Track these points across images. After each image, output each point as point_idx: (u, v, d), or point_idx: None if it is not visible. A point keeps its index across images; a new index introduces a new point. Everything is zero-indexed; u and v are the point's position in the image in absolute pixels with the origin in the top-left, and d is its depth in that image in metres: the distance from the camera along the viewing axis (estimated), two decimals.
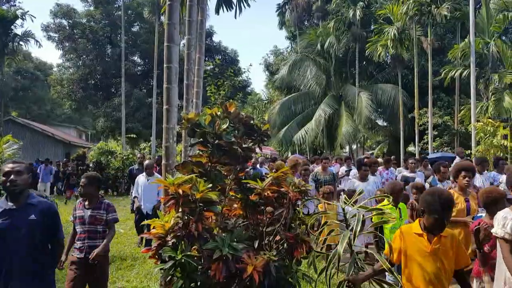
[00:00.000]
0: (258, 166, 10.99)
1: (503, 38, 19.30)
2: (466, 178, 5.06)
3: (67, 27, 36.34)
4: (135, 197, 8.15)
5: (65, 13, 35.71)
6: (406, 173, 9.06)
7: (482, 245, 3.89)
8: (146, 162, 8.39)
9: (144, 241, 7.81)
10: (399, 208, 5.28)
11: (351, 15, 25.02)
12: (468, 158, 12.21)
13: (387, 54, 22.40)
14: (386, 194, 6.29)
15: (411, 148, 25.80)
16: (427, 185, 7.15)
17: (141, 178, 8.07)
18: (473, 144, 14.85)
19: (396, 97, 23.73)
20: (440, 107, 23.17)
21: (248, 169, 3.22)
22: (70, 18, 36.06)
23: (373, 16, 25.54)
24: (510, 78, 15.49)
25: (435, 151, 20.09)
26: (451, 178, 7.51)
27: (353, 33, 25.63)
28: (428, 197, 2.89)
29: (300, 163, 8.46)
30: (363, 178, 7.44)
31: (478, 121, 14.87)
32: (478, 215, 4.73)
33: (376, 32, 22.40)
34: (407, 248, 2.97)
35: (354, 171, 9.83)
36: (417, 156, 19.21)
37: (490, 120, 14.12)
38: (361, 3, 25.12)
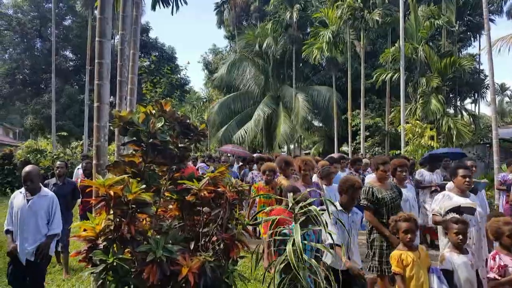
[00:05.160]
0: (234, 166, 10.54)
1: (430, 44, 20.47)
2: None
3: None
4: (7, 231, 4.58)
5: None
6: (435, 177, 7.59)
7: None
8: (26, 169, 4.51)
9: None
10: None
11: (288, 17, 25.52)
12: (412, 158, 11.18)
13: (322, 57, 23.02)
14: None
15: (344, 148, 26.81)
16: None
17: (18, 198, 4.58)
18: (402, 145, 15.65)
19: (330, 98, 24.59)
20: (372, 109, 24.24)
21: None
22: None
23: (309, 19, 26.21)
24: (436, 82, 16.40)
25: (367, 151, 20.96)
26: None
27: (290, 35, 26.16)
28: None
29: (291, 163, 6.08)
30: (463, 191, 4.57)
31: (407, 122, 15.63)
32: None
33: (312, 35, 22.91)
34: None
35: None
36: (350, 156, 19.99)
37: (418, 121, 14.93)
38: (297, 5, 25.67)
